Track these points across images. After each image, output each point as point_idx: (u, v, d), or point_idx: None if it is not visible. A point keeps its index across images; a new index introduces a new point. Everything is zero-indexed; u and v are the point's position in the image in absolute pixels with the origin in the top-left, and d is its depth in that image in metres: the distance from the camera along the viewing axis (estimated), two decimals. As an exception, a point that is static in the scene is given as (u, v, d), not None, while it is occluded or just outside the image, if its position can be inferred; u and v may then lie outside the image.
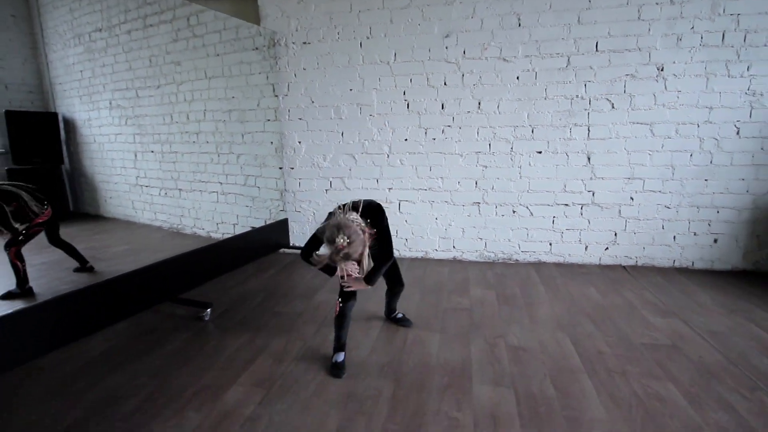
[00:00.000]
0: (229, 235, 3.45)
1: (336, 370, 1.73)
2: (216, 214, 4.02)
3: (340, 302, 1.79)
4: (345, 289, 1.78)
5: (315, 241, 1.73)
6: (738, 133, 2.74)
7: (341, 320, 1.80)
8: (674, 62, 2.73)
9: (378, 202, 1.84)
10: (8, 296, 2.07)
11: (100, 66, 4.51)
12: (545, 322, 2.20)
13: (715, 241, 2.90)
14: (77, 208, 5.02)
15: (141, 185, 4.56)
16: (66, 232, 4.50)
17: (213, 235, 4.10)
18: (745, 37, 2.64)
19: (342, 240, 1.51)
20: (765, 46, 2.62)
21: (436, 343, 1.99)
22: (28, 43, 4.39)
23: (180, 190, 4.28)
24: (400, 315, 2.20)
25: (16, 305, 1.80)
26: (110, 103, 4.52)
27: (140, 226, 4.64)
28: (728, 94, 2.71)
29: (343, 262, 1.62)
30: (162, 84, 4.05)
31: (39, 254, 2.59)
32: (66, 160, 4.73)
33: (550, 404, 1.55)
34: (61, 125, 4.68)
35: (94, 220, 4.83)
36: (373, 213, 1.73)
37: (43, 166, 4.24)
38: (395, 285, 2.09)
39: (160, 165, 4.34)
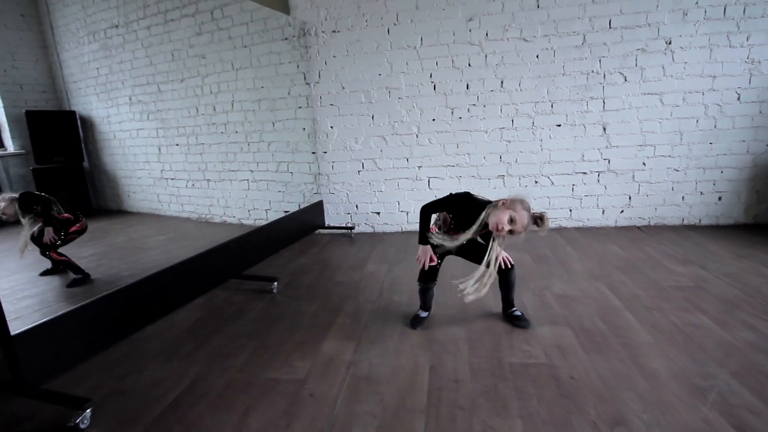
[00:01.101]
0: (262, 221, 3.64)
1: (415, 321, 1.97)
2: (247, 201, 4.20)
3: (420, 283, 1.94)
4: (426, 268, 1.88)
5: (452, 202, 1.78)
6: (739, 98, 3.02)
7: (424, 294, 1.97)
8: (680, 36, 2.98)
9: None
10: (74, 284, 2.20)
11: (118, 63, 4.60)
12: (581, 274, 2.47)
13: (720, 198, 3.19)
14: (98, 205, 5.15)
15: (166, 178, 4.69)
16: (96, 228, 4.66)
17: (244, 222, 4.26)
18: (744, 9, 2.89)
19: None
20: (762, 17, 2.88)
21: (490, 297, 2.23)
22: (38, 43, 4.46)
23: (208, 180, 4.44)
24: (518, 312, 1.98)
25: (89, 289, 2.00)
26: (130, 99, 4.61)
27: (168, 218, 4.79)
28: (729, 63, 2.97)
29: (528, 219, 1.62)
30: (186, 77, 4.17)
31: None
32: (86, 158, 4.85)
33: (604, 335, 1.81)
34: (79, 123, 4.78)
35: (119, 216, 4.97)
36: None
37: (64, 165, 4.36)
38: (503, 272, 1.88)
39: (186, 157, 4.48)
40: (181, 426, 1.41)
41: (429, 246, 1.85)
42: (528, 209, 1.65)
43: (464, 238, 1.74)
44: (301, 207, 3.67)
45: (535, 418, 1.35)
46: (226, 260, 2.70)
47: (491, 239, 1.73)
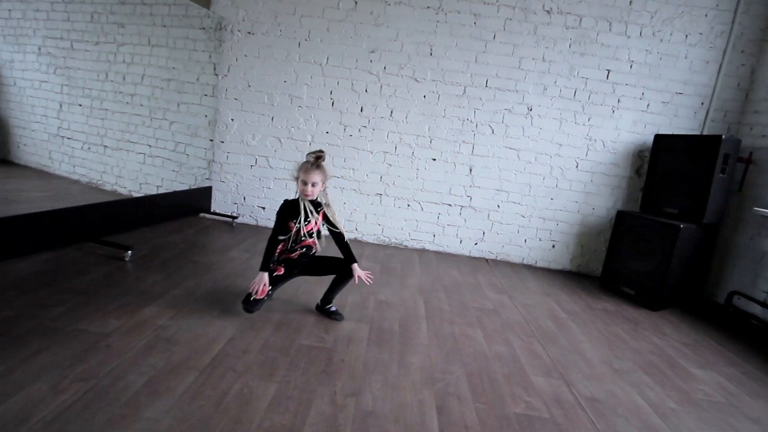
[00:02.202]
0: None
1: (248, 304, 2.09)
2: (141, 175, 4.22)
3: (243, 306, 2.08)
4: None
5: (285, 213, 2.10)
6: (577, 166, 3.64)
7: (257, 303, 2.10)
8: (540, 105, 3.56)
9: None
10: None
11: (34, 10, 4.49)
12: (410, 288, 2.85)
13: (553, 246, 3.78)
14: (-20, 150, 4.87)
15: (62, 136, 4.58)
16: (-27, 174, 4.42)
17: (134, 194, 4.27)
18: (589, 95, 3.53)
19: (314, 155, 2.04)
20: (602, 105, 3.53)
21: (320, 294, 2.52)
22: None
23: (105, 146, 4.40)
24: (333, 308, 2.28)
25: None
26: (39, 50, 4.50)
27: (56, 178, 4.67)
28: (573, 135, 3.59)
29: (312, 171, 2.02)
30: (101, 42, 4.17)
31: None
32: (-22, 98, 4.61)
33: (393, 334, 2.16)
34: (-24, 62, 4.55)
35: (3, 165, 4.74)
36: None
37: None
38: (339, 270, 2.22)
39: (87, 119, 4.43)
40: (-35, 355, 1.52)
41: (267, 274, 2.04)
42: (310, 162, 2.05)
43: (305, 227, 2.10)
44: (192, 188, 3.79)
45: (289, 384, 1.64)
46: (87, 221, 2.76)
47: (319, 208, 2.15)
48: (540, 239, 3.77)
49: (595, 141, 3.59)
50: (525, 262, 3.83)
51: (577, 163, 3.63)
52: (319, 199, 2.15)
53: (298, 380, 1.67)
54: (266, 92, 3.64)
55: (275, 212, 2.13)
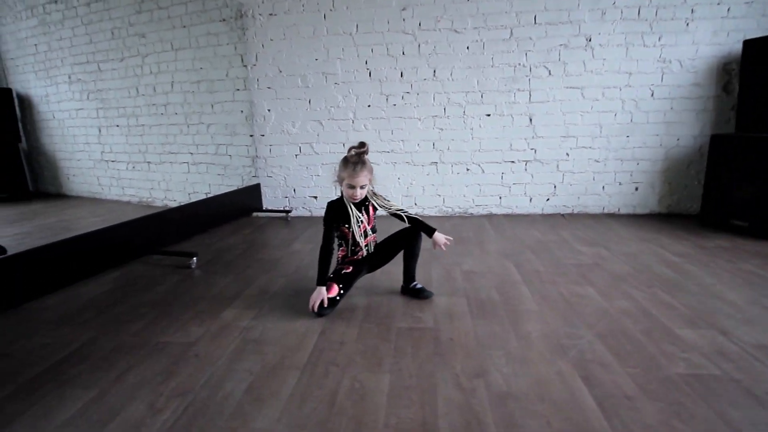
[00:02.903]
0: (204, 201, 3.60)
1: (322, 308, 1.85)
2: (187, 185, 4.15)
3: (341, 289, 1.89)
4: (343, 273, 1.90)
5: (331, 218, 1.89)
6: (652, 95, 3.21)
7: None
8: (599, 33, 3.15)
9: None
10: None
11: (57, 39, 4.47)
12: (493, 254, 2.58)
13: (636, 189, 3.39)
14: (37, 188, 4.98)
15: (107, 160, 4.59)
16: (32, 209, 4.50)
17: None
18: (656, 11, 3.08)
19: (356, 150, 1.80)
20: (672, 20, 3.08)
21: (397, 273, 2.28)
22: (-28, 17, 4.27)
23: (149, 162, 4.36)
24: (419, 285, 2.03)
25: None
26: (69, 78, 4.49)
27: (109, 202, 4.70)
28: (644, 61, 3.16)
29: (359, 172, 1.77)
30: (126, 57, 4.10)
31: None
32: (23, 138, 4.67)
33: (494, 304, 1.91)
34: (16, 102, 4.60)
35: (58, 199, 4.83)
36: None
37: (-1, 145, 4.19)
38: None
39: (127, 139, 4.40)
40: (54, 383, 1.40)
41: (324, 288, 1.83)
42: (354, 162, 1.80)
43: (359, 230, 1.92)
44: (239, 188, 3.66)
45: (403, 373, 1.42)
46: (145, 235, 2.67)
47: (370, 206, 1.95)
48: (620, 183, 3.38)
49: (670, 62, 3.14)
50: (606, 211, 3.45)
51: (652, 91, 3.21)
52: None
53: (411, 367, 1.45)
54: (299, 74, 3.42)
55: (328, 200, 1.93)
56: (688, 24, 3.07)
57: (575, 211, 3.47)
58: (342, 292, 1.88)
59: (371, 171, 1.86)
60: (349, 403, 1.27)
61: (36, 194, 4.74)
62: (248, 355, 1.54)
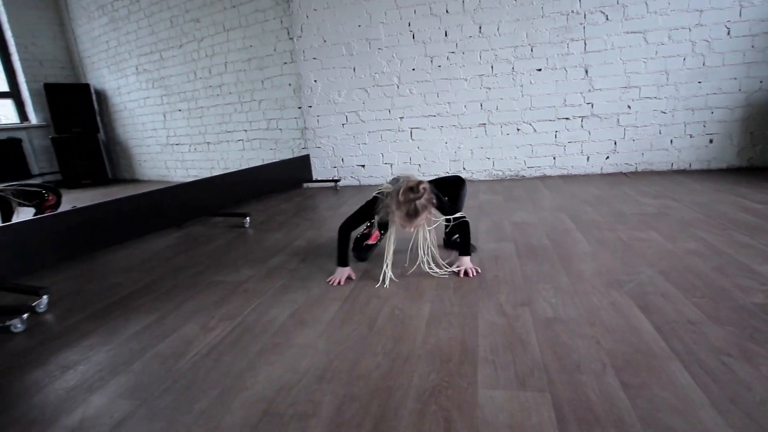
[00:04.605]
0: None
1: (359, 252, 1.90)
2: (243, 161, 4.35)
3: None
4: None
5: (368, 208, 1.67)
6: (729, 33, 2.87)
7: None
8: (665, -31, 2.86)
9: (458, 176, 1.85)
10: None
11: (124, 34, 4.84)
12: (546, 208, 2.46)
13: (711, 141, 3.06)
14: (114, 175, 5.45)
15: (172, 144, 4.92)
16: (110, 192, 4.91)
17: (242, 181, 4.37)
18: (733, -63, 2.74)
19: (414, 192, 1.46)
20: (753, -56, 2.72)
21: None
22: (56, 20, 4.73)
23: (208, 143, 4.62)
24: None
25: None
26: (137, 69, 4.85)
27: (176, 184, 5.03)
28: (718, -5, 2.83)
29: (412, 221, 1.48)
30: (184, 43, 4.35)
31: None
32: (101, 129, 5.13)
33: (544, 248, 1.82)
34: (93, 96, 5.05)
35: (132, 184, 5.26)
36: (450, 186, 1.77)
37: (80, 135, 4.63)
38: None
39: (188, 122, 4.69)
40: (122, 310, 1.54)
41: (347, 268, 1.68)
42: (406, 209, 1.47)
43: (388, 244, 1.65)
44: (290, 158, 3.78)
45: (445, 303, 1.39)
46: (203, 199, 2.83)
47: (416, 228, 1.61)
48: (691, 136, 3.08)
49: (751, -6, 2.79)
50: (676, 167, 3.16)
51: (729, 29, 2.86)
52: None
53: (453, 298, 1.42)
54: (343, 43, 3.44)
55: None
56: (773, -52, 2.70)
57: (639, 169, 3.21)
58: (381, 236, 1.87)
59: (429, 211, 1.51)
60: (389, 326, 1.27)
61: (114, 180, 5.22)
62: (294, 290, 1.59)
